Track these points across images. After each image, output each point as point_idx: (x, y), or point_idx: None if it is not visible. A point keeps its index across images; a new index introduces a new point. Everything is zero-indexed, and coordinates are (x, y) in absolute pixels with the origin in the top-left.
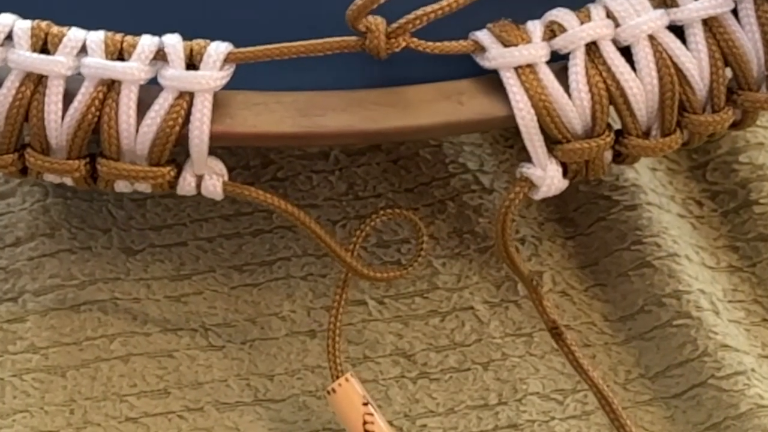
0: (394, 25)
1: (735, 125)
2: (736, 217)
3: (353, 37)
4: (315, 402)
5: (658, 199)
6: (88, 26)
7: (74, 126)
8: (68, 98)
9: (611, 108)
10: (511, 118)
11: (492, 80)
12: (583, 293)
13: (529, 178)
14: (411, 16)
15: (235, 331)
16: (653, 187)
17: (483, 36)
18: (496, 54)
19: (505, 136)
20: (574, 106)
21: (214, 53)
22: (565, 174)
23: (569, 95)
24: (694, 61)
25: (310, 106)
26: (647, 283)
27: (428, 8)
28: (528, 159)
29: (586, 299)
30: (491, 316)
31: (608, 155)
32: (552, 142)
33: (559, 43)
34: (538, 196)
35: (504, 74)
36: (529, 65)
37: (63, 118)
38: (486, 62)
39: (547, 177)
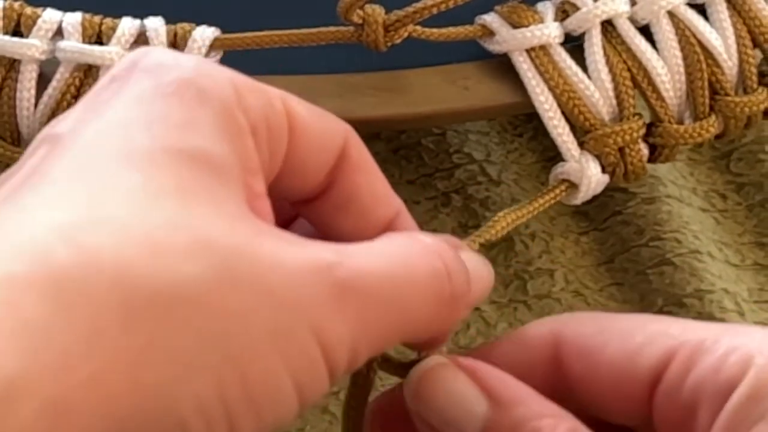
0: (393, 17)
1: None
2: (763, 211)
3: (349, 28)
4: (309, 410)
5: (679, 191)
6: (65, 7)
7: (48, 114)
8: (42, 84)
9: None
10: (521, 104)
11: (500, 64)
12: (597, 293)
13: (567, 177)
14: (411, 9)
15: None
16: (673, 179)
17: (491, 19)
18: (506, 36)
19: (514, 124)
20: (596, 88)
21: (200, 39)
22: (602, 170)
23: (589, 77)
24: (720, 39)
25: (302, 91)
26: (667, 282)
27: (430, 1)
28: (543, 155)
29: (602, 299)
30: (498, 317)
31: (644, 149)
32: (580, 134)
33: (573, 23)
34: (578, 198)
35: (516, 58)
36: (542, 47)
37: (36, 105)
38: (495, 46)
39: (585, 169)
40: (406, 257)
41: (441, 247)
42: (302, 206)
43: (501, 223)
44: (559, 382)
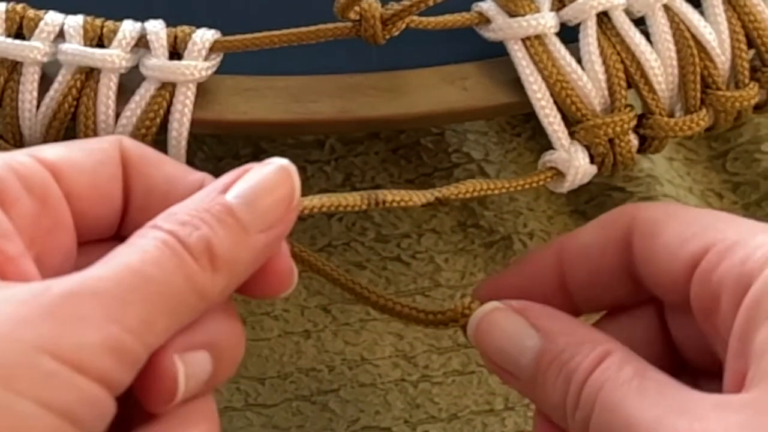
0: (390, 11)
1: (759, 108)
2: (759, 210)
3: (347, 24)
4: (309, 407)
5: (675, 190)
6: (67, 9)
7: (50, 115)
8: (45, 85)
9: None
10: (519, 104)
11: (498, 64)
12: None
13: (555, 165)
14: (407, 3)
15: None
16: (670, 178)
17: (487, 6)
18: (502, 24)
19: (512, 124)
20: (589, 79)
21: (200, 41)
22: (591, 160)
23: (582, 68)
24: (714, 34)
25: (303, 92)
26: None
27: None
28: (541, 155)
29: None
30: None
31: (634, 140)
32: (570, 124)
33: (569, 13)
34: (564, 187)
35: (511, 46)
36: (537, 36)
37: (38, 107)
38: (491, 34)
39: (573, 159)
40: (140, 245)
41: (180, 215)
42: (126, 230)
43: (468, 187)
44: (629, 261)
